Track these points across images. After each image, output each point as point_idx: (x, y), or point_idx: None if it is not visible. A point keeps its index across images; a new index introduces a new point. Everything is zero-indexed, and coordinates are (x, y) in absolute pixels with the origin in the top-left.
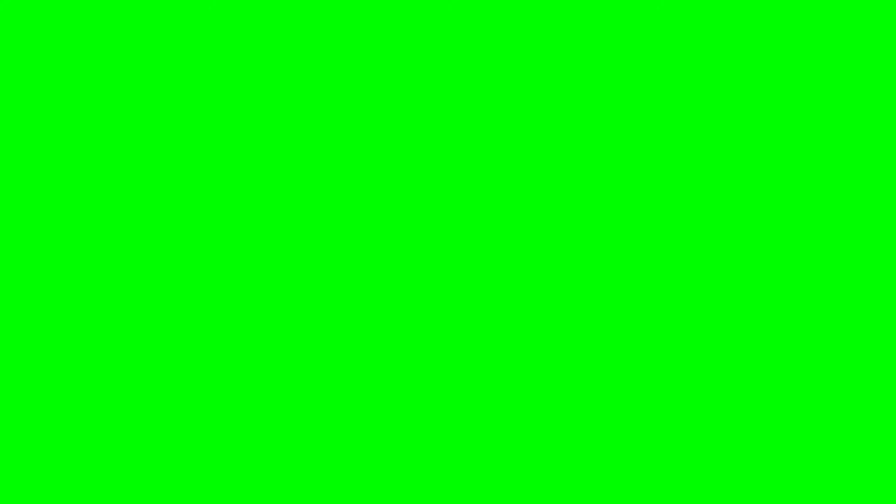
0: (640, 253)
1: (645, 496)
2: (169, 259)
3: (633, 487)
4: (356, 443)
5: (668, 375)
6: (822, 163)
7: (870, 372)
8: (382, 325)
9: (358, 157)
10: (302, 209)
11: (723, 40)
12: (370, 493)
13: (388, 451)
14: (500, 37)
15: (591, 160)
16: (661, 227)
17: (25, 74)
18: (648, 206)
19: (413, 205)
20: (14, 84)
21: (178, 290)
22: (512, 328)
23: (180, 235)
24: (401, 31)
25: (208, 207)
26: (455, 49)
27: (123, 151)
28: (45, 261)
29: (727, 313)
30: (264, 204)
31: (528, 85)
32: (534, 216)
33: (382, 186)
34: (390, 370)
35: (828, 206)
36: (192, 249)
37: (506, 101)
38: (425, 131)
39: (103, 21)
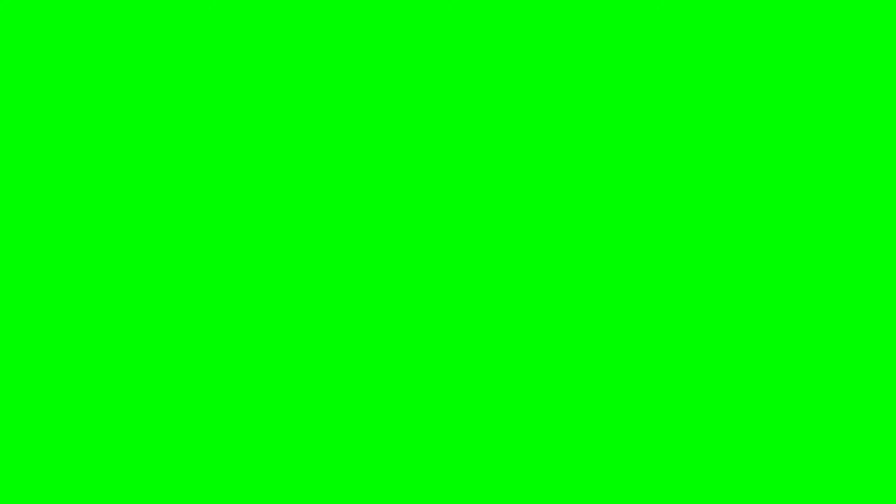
0: (640, 253)
1: (645, 496)
2: (169, 259)
3: (633, 487)
4: (356, 443)
5: (668, 375)
6: (821, 163)
7: (870, 372)
8: (382, 325)
9: (358, 158)
10: (302, 209)
11: (723, 40)
12: (370, 493)
13: (388, 451)
14: (500, 37)
15: (591, 160)
16: (661, 228)
17: (25, 74)
18: (648, 206)
19: (413, 205)
20: (14, 84)
21: (178, 290)
22: (512, 328)
23: (180, 235)
24: (401, 32)
25: (208, 207)
26: (455, 49)
27: (123, 151)
28: (45, 261)
29: (727, 313)
30: (264, 204)
31: (529, 85)
32: (534, 216)
33: (382, 186)
34: (390, 370)
35: (828, 206)
36: (192, 249)
37: (506, 101)
38: (425, 131)
39: (103, 21)
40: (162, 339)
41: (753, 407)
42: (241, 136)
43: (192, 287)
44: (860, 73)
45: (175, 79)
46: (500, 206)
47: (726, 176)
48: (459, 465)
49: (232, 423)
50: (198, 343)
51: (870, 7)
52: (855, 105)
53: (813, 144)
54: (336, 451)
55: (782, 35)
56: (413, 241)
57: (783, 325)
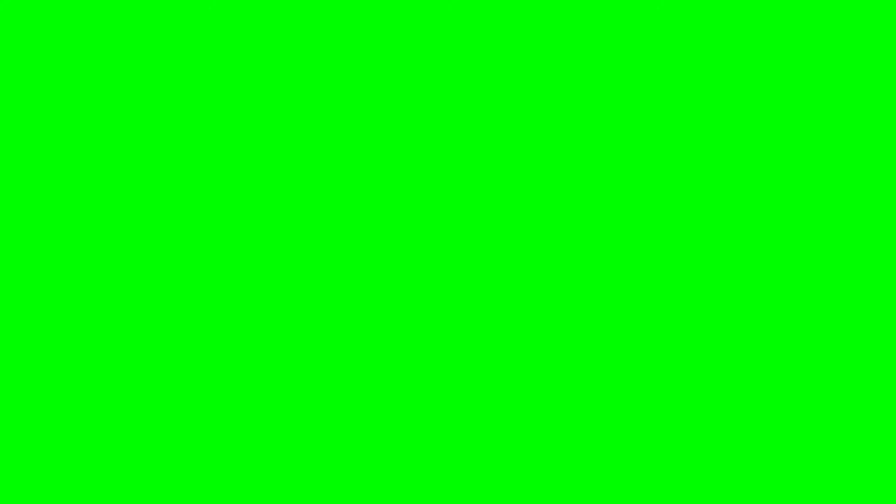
0: (640, 253)
1: (645, 496)
2: (169, 259)
3: (633, 487)
4: (356, 443)
5: (668, 375)
6: (822, 163)
7: (870, 372)
8: (382, 326)
9: (358, 158)
10: (302, 209)
11: (723, 40)
12: (370, 493)
13: (388, 451)
14: (500, 37)
15: (591, 160)
16: (661, 228)
17: (25, 74)
18: (648, 206)
19: (413, 205)
20: (14, 84)
21: (179, 291)
22: (512, 328)
23: (180, 236)
24: (401, 32)
25: (208, 208)
26: (455, 49)
27: (123, 152)
28: (45, 261)
29: (727, 313)
30: (264, 204)
31: (529, 85)
32: (534, 216)
33: (382, 187)
34: (390, 370)
35: (828, 206)
36: (192, 249)
37: (506, 101)
38: (425, 131)
39: (103, 21)
40: (161, 338)
41: (753, 407)
42: (241, 136)
43: (192, 286)
44: (860, 74)
45: (175, 79)
46: (499, 205)
47: (726, 176)
48: (459, 464)
49: (232, 423)
50: (197, 342)
51: (870, 7)
52: (855, 105)
53: (812, 144)
54: (336, 451)
55: (782, 35)
56: (413, 240)
57: (783, 325)
